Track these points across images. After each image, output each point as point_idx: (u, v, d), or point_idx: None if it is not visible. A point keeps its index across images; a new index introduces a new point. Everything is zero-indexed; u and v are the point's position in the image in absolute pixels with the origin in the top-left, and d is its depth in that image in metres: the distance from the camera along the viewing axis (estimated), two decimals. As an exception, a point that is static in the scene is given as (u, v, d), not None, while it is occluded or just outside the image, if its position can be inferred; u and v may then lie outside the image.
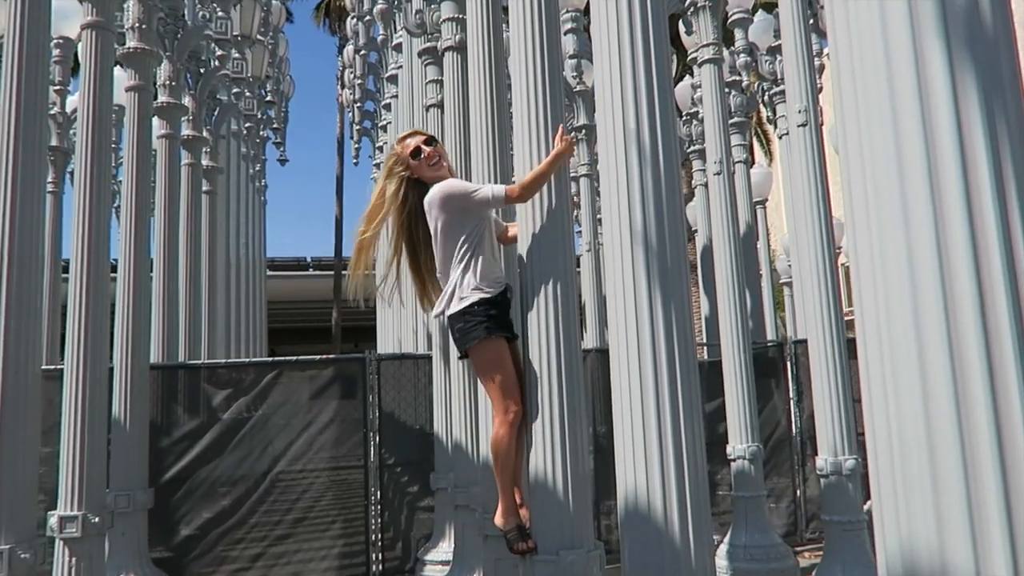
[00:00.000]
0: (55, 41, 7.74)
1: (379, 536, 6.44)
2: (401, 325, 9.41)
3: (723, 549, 5.33)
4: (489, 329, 3.06)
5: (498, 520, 3.23)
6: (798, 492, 7.56)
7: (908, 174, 1.09)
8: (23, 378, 3.75)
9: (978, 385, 1.00)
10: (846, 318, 5.31)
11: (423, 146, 3.28)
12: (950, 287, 1.03)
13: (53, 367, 5.90)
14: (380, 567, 6.41)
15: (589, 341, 8.87)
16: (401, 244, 3.35)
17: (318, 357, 7.00)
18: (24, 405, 3.75)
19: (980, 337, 1.01)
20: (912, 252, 1.07)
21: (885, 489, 1.07)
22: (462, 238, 3.12)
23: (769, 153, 23.32)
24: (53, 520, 4.43)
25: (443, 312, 3.19)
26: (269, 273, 16.60)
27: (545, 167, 2.95)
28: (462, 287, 3.12)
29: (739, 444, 5.46)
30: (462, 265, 3.12)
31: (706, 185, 8.72)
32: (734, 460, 5.51)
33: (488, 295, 3.10)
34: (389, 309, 11.14)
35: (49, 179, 8.69)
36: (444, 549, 5.74)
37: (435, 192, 3.16)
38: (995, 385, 0.99)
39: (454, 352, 5.23)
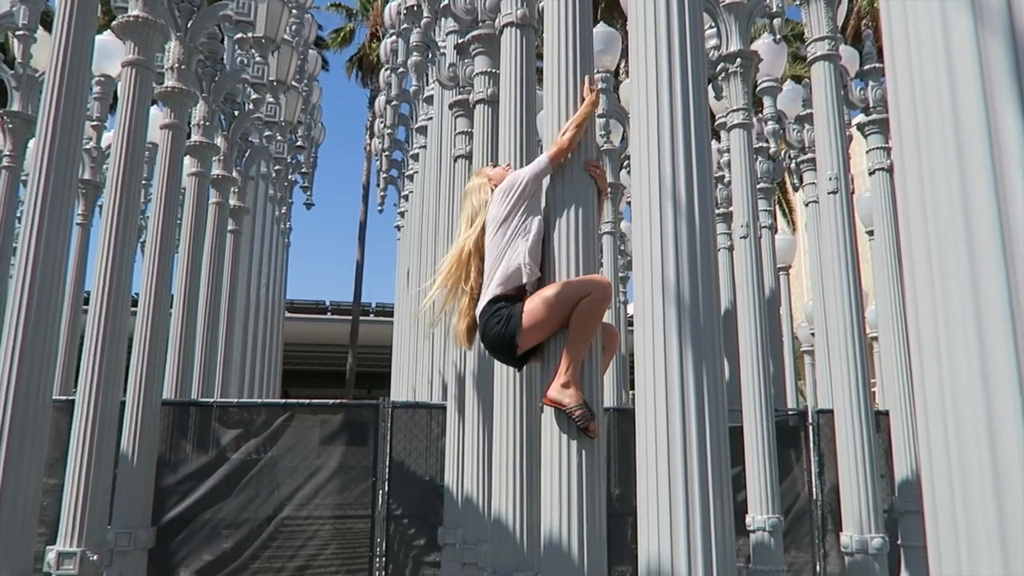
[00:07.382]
0: (96, 78, 7.95)
1: (382, 590, 6.24)
2: (416, 373, 9.32)
3: (739, 626, 5.10)
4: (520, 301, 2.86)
5: (566, 394, 2.71)
6: (818, 568, 7.27)
7: (978, 242, 1.02)
8: (33, 407, 3.71)
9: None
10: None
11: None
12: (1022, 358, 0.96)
13: (64, 398, 5.86)
14: (382, 623, 6.20)
15: (605, 400, 8.70)
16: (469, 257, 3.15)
17: (331, 401, 6.91)
18: (32, 435, 3.70)
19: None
20: (982, 326, 1.00)
21: (945, 536, 0.98)
22: (510, 222, 2.95)
23: (792, 222, 23.31)
24: (51, 555, 4.32)
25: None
26: (287, 315, 16.63)
27: (579, 117, 2.91)
28: (492, 282, 2.93)
29: (759, 515, 5.27)
30: (503, 253, 2.94)
31: (730, 248, 8.67)
32: (753, 531, 5.30)
33: (509, 294, 2.91)
34: (404, 357, 11.07)
35: (79, 212, 8.81)
36: (448, 609, 5.54)
37: (499, 187, 3.09)
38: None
39: (469, 403, 5.15)
